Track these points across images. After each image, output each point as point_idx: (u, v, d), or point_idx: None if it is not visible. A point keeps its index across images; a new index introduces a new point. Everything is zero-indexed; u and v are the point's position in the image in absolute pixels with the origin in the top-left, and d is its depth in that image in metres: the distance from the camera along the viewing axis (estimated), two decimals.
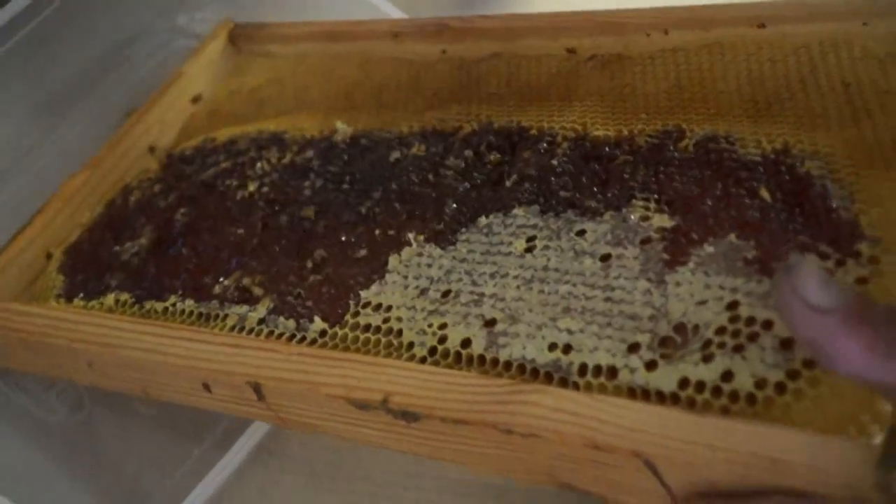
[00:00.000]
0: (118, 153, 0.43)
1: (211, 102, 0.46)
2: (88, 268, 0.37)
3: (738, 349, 0.23)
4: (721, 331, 0.24)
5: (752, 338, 0.23)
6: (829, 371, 0.20)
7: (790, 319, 0.20)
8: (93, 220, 0.40)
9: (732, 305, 0.24)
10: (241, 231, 0.34)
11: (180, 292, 0.33)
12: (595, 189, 0.29)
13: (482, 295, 0.28)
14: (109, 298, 0.35)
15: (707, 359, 0.23)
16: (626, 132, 0.31)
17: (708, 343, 0.24)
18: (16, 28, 0.35)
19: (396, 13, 0.44)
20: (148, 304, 0.34)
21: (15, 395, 0.37)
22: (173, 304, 0.33)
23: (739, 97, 0.30)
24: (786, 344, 0.23)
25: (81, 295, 0.36)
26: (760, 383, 0.22)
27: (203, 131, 0.43)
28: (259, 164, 0.37)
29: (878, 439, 0.20)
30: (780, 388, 0.22)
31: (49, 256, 0.40)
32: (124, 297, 0.34)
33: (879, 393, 0.19)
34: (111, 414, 0.37)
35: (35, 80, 0.38)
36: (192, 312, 0.32)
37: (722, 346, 0.24)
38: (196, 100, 0.46)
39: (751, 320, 0.24)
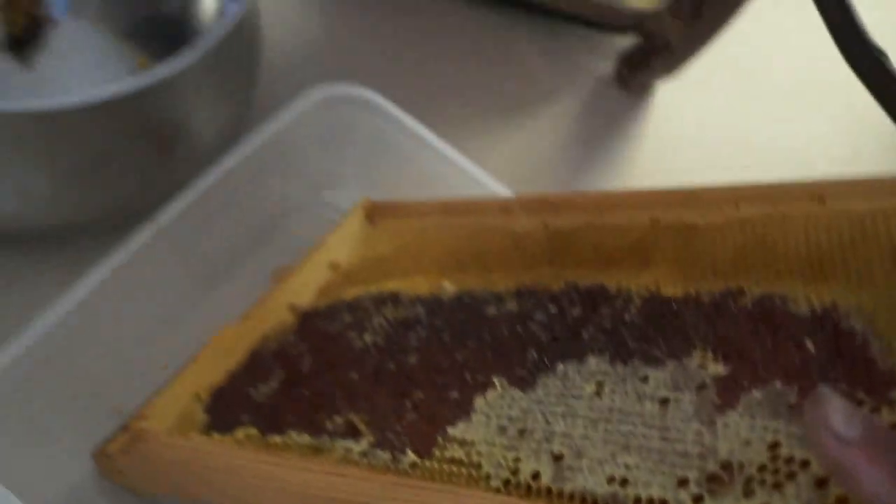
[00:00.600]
0: (264, 310, 0.48)
1: (346, 267, 0.51)
2: (227, 407, 0.42)
3: (776, 486, 0.25)
4: (762, 468, 0.25)
5: (791, 476, 0.25)
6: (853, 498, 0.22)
7: (817, 447, 0.22)
8: (236, 366, 0.45)
9: (774, 445, 0.26)
10: (354, 376, 0.39)
11: (298, 427, 0.37)
12: (660, 340, 0.32)
13: (553, 433, 0.30)
14: (240, 433, 0.39)
15: (748, 494, 0.25)
16: (692, 291, 0.33)
17: (750, 479, 0.25)
18: (181, 205, 0.41)
19: (505, 190, 0.48)
20: (270, 438, 0.38)
21: None
22: (291, 438, 0.37)
23: (796, 261, 0.32)
24: (821, 483, 0.24)
25: (219, 429, 0.40)
26: None
27: (337, 292, 0.48)
28: (376, 319, 0.42)
29: None
30: None
31: (198, 398, 0.45)
32: (252, 431, 0.39)
33: None
34: None
35: (198, 248, 0.44)
36: (306, 445, 0.36)
37: (762, 482, 0.25)
38: (334, 266, 0.51)
39: (790, 459, 0.25)
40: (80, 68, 0.50)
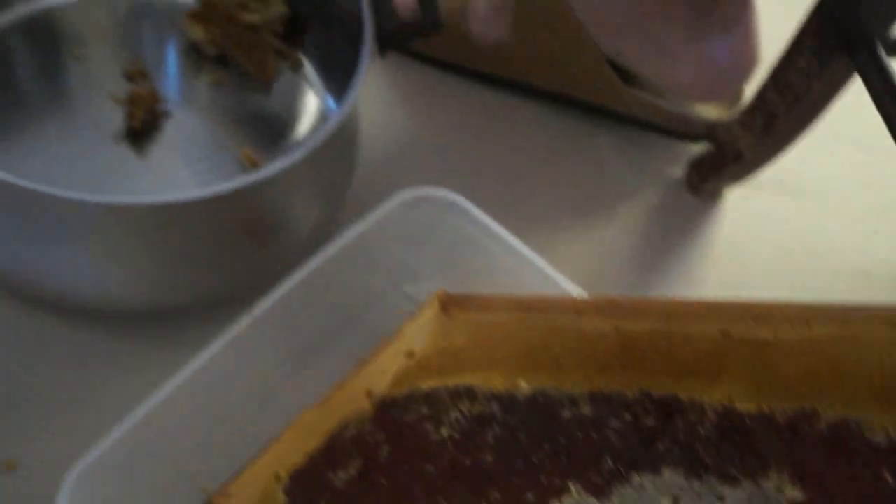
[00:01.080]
0: (343, 395, 0.50)
1: (421, 357, 0.52)
2: (306, 490, 0.43)
3: None
4: None
5: None
6: None
7: None
8: (315, 449, 0.46)
9: None
10: (431, 469, 0.40)
11: None
12: (735, 458, 0.32)
13: None
14: None
15: None
16: (766, 409, 0.34)
17: None
18: (275, 297, 0.43)
19: (577, 290, 0.49)
20: None
21: None
22: None
23: (871, 385, 0.33)
24: None
25: None
26: None
27: (412, 381, 0.50)
28: (452, 413, 0.43)
29: None
30: None
31: (278, 478, 0.46)
32: None
33: None
34: None
35: (288, 337, 0.45)
36: None
37: None
38: (409, 355, 0.52)
39: None
40: (189, 156, 0.53)
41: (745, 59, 0.52)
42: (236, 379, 0.42)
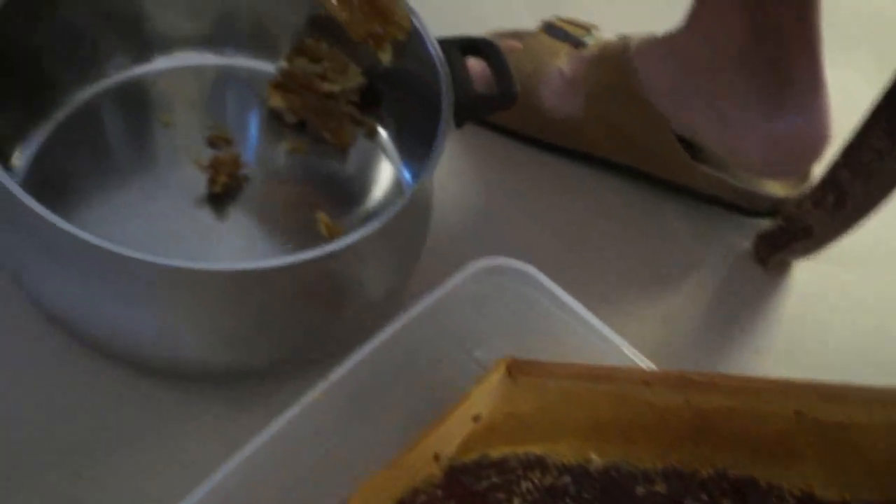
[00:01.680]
0: (410, 458, 0.50)
1: (488, 422, 0.52)
2: None
3: None
4: None
5: None
6: None
7: None
8: None
9: None
10: None
11: None
12: None
13: None
14: None
15: None
16: (847, 497, 0.33)
17: None
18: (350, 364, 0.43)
19: (644, 361, 0.49)
20: None
21: None
22: None
23: None
24: None
25: None
26: None
27: (479, 446, 0.49)
28: (524, 483, 0.42)
29: None
30: None
31: None
32: None
33: None
34: None
35: (362, 401, 0.46)
36: None
37: None
38: (476, 419, 0.52)
39: None
40: (267, 220, 0.54)
41: (816, 139, 0.52)
42: (310, 444, 0.42)
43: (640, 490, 0.38)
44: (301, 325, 0.47)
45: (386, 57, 0.54)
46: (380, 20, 0.53)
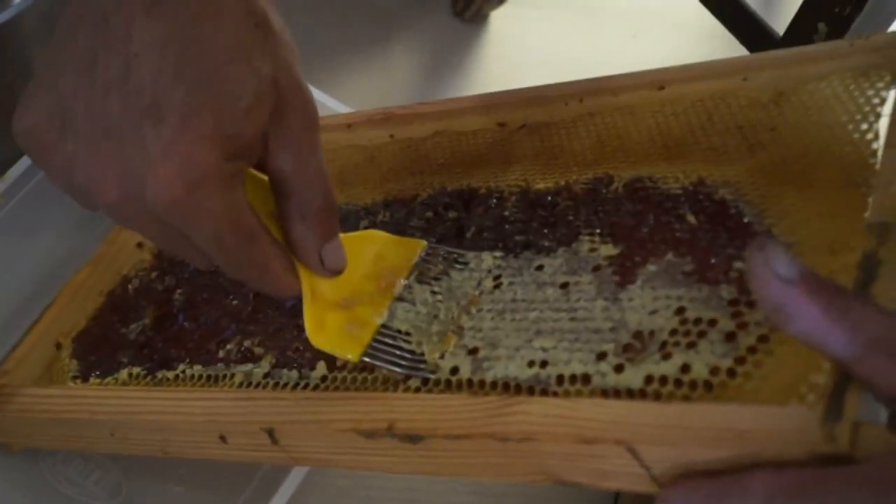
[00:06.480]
0: (113, 250, 0.42)
1: None
2: (99, 350, 0.36)
3: (690, 345, 0.24)
4: (674, 332, 0.24)
5: (702, 335, 0.24)
6: (780, 340, 0.21)
7: (760, 286, 0.20)
8: (97, 309, 0.39)
9: (680, 311, 0.25)
10: (235, 301, 0.34)
11: (188, 360, 0.32)
12: (545, 231, 0.30)
13: (462, 328, 0.28)
14: (123, 374, 0.33)
15: (666, 357, 0.24)
16: (562, 182, 0.31)
17: (664, 344, 0.24)
18: None
19: (346, 109, 0.44)
20: (160, 374, 0.32)
21: (59, 483, 0.35)
22: (183, 371, 0.32)
23: (653, 145, 0.31)
24: (730, 336, 0.23)
25: (97, 374, 0.34)
26: (714, 371, 0.23)
27: None
28: None
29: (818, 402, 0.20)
30: (731, 372, 0.23)
31: (59, 346, 0.38)
32: (136, 370, 0.33)
33: (820, 352, 0.20)
34: (147, 497, 0.35)
35: None
36: (201, 376, 0.31)
37: (677, 344, 0.24)
38: None
39: (698, 321, 0.24)
40: None
41: None
42: None
43: (364, 224, 0.34)
44: None
45: None
46: None
